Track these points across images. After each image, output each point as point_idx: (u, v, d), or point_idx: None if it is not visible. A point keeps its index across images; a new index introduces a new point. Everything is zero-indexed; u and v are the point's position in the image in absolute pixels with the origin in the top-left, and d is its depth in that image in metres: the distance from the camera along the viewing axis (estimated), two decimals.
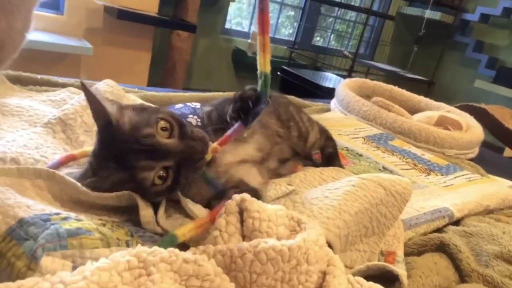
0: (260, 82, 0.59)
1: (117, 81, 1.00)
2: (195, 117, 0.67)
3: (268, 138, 0.81)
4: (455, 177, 1.15)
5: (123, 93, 0.98)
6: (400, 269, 0.60)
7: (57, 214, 0.48)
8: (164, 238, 0.51)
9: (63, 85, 1.10)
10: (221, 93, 1.33)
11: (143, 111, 0.60)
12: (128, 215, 0.56)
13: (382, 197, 0.70)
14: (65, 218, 0.47)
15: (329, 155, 1.00)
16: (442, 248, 0.74)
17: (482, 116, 2.14)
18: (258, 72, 0.59)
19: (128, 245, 0.48)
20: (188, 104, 0.73)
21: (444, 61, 4.26)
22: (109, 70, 2.52)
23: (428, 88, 4.04)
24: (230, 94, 1.17)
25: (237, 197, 0.52)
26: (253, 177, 0.70)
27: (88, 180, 0.56)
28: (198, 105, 0.74)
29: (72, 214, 0.49)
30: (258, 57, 0.59)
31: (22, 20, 0.63)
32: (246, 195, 0.52)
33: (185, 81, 3.15)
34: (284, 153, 0.84)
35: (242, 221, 0.51)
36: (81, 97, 0.90)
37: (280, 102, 0.97)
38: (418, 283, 0.60)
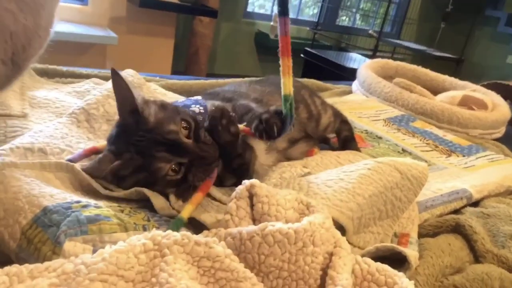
0: (285, 105, 0.65)
1: (142, 69, 1.04)
2: (198, 105, 0.71)
3: None
4: (477, 158, 1.14)
5: (143, 82, 1.01)
6: (411, 251, 0.61)
7: (78, 202, 0.51)
8: (172, 222, 0.54)
9: (87, 76, 1.14)
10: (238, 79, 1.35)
11: (164, 108, 0.65)
12: (145, 201, 0.59)
13: (397, 181, 0.70)
14: (85, 206, 0.51)
15: (345, 139, 1.01)
16: (458, 229, 0.74)
17: (511, 94, 2.07)
18: (283, 94, 0.65)
19: (145, 229, 0.51)
20: (190, 98, 0.79)
21: (474, 37, 4.11)
22: (133, 58, 2.57)
23: (456, 66, 3.92)
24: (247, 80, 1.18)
25: (246, 182, 0.54)
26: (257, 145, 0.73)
27: (115, 163, 0.61)
28: (199, 97, 0.79)
29: (92, 202, 0.53)
30: (282, 79, 0.64)
31: (47, 18, 0.67)
32: (255, 181, 0.54)
33: (209, 67, 3.17)
34: (293, 133, 0.86)
35: (252, 206, 0.53)
36: (103, 87, 0.93)
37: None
38: (429, 263, 0.61)
